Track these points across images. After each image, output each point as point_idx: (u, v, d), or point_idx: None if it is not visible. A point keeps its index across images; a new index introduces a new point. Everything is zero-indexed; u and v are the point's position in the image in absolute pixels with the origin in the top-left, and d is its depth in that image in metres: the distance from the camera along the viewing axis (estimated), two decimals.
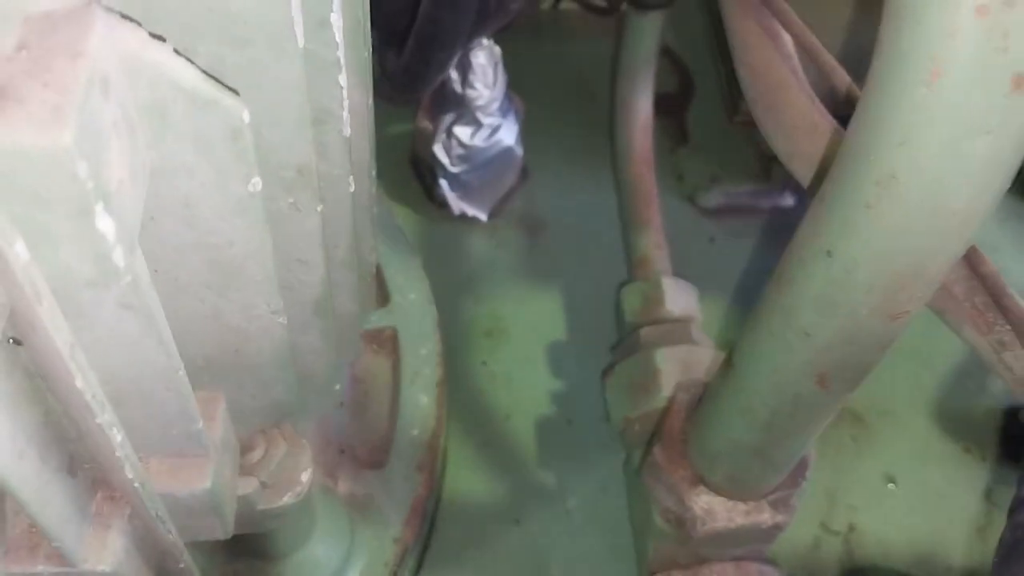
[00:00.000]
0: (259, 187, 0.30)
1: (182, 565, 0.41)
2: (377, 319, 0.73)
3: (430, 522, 0.72)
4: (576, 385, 0.81)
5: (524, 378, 0.81)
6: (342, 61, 0.33)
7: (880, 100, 0.32)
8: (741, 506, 0.54)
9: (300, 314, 0.42)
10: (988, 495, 0.78)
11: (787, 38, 0.50)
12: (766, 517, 0.54)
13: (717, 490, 0.54)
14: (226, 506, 0.43)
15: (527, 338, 0.84)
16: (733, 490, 0.54)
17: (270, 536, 0.55)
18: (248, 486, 0.47)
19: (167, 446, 0.38)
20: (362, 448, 0.68)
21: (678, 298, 0.72)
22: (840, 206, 0.35)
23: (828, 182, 0.36)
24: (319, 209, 0.37)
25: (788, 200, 0.94)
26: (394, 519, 0.64)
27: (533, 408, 0.79)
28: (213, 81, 0.27)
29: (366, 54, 0.39)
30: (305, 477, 0.50)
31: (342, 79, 0.34)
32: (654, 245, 0.77)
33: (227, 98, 0.27)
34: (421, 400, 0.70)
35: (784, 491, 0.54)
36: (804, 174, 0.48)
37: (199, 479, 0.39)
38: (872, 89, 0.32)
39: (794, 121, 0.48)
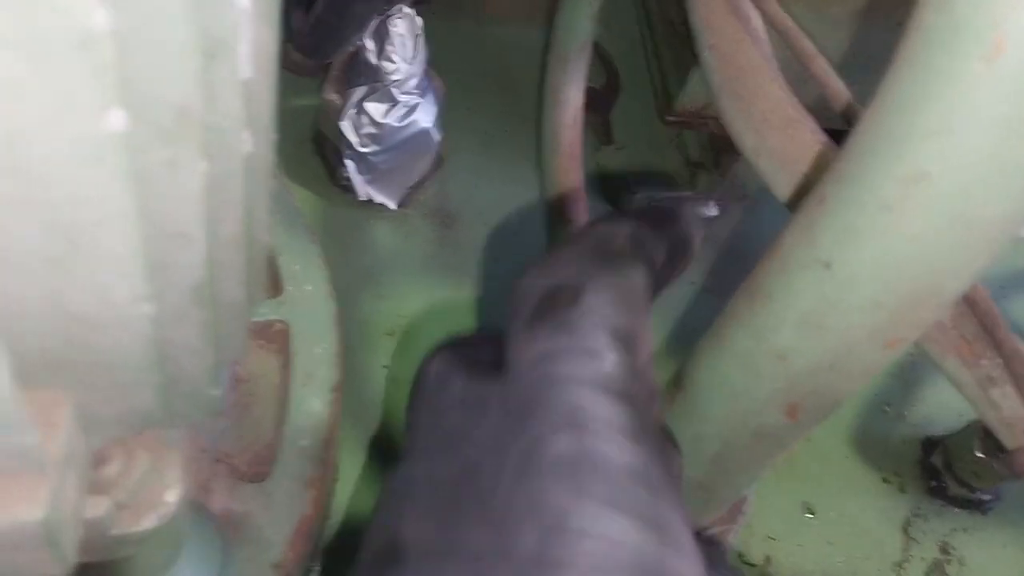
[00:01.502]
0: (121, 125, 0.22)
1: None
2: (267, 311, 0.65)
3: (316, 546, 0.64)
4: None
5: None
6: None
7: (915, 77, 0.26)
8: None
9: (173, 302, 0.34)
10: (906, 528, 0.75)
11: (757, 20, 0.45)
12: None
13: None
14: (66, 536, 0.34)
15: (433, 340, 0.76)
16: None
17: (124, 565, 0.46)
18: (98, 508, 0.38)
19: None
20: (242, 458, 0.59)
21: None
22: (846, 209, 0.30)
23: (830, 180, 0.30)
24: (203, 168, 0.29)
25: (712, 210, 0.90)
26: (275, 541, 0.56)
27: None
28: None
29: None
30: (171, 496, 0.41)
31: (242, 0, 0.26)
32: None
33: None
34: (313, 406, 0.62)
35: (721, 526, 0.49)
36: (771, 173, 0.42)
37: (29, 506, 0.30)
38: (904, 63, 0.26)
39: (764, 113, 0.43)
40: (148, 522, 0.40)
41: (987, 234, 0.27)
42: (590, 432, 0.27)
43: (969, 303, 0.38)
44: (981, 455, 0.73)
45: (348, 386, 0.71)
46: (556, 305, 0.30)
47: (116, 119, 0.21)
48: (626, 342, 0.29)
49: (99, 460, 0.39)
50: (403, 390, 0.72)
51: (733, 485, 0.43)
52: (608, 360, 0.28)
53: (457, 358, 0.36)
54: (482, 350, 0.36)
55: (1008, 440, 0.37)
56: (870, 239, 0.29)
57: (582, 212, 0.74)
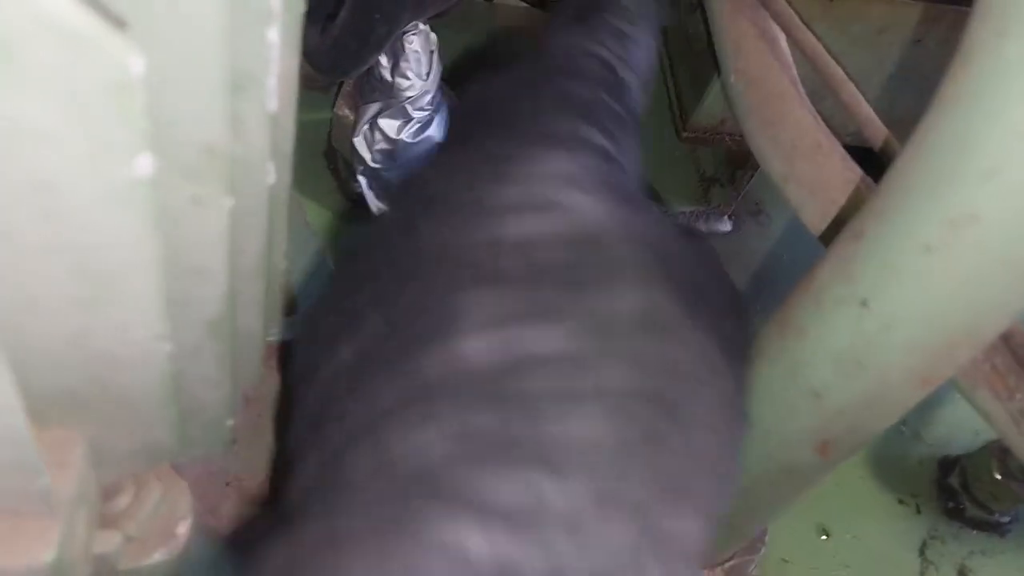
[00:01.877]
0: (149, 170, 0.21)
1: None
2: (279, 332, 0.64)
3: None
4: None
5: None
6: (275, 9, 0.25)
7: (964, 116, 0.25)
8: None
9: (191, 337, 0.33)
10: (923, 550, 0.74)
11: (784, 44, 0.44)
12: None
13: None
14: (75, 574, 0.33)
15: None
16: None
17: None
18: (109, 543, 0.37)
19: (1, 502, 0.28)
20: (251, 480, 0.58)
21: None
22: (886, 248, 0.29)
23: (869, 216, 0.30)
24: (228, 204, 0.28)
25: (725, 225, 0.89)
26: None
27: None
28: (91, 9, 0.18)
29: (301, 9, 0.31)
30: (182, 529, 0.41)
31: (272, 33, 0.26)
32: None
33: (112, 37, 0.18)
34: None
35: (741, 558, 0.48)
36: (801, 202, 0.42)
37: (40, 548, 0.29)
38: (951, 102, 0.25)
39: (793, 140, 0.42)
40: (159, 555, 0.40)
41: None
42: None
43: (1003, 336, 0.37)
44: (999, 476, 0.72)
45: None
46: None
47: (145, 164, 0.20)
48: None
49: (110, 493, 0.38)
50: None
51: (757, 520, 0.42)
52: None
53: None
54: None
55: None
56: (911, 279, 0.28)
57: None
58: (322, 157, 0.85)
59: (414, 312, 0.34)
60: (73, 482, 0.31)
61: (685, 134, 0.79)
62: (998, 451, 0.73)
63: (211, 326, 0.33)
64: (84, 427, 0.31)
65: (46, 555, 0.29)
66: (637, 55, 0.47)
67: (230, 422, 0.41)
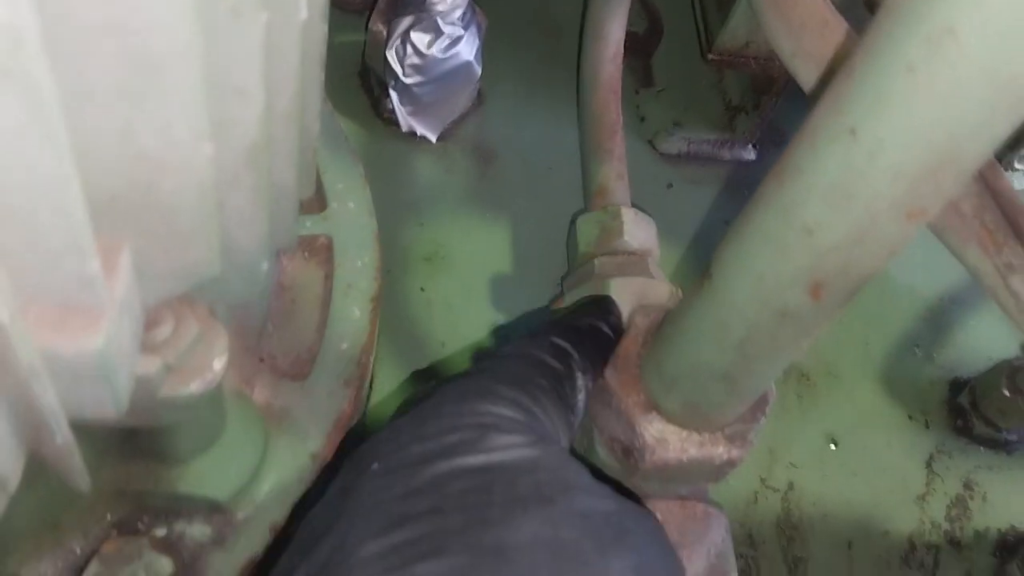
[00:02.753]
0: None
1: (59, 441, 0.34)
2: (311, 226, 0.67)
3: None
4: (518, 320, 0.76)
5: (463, 307, 0.76)
6: None
7: None
8: (695, 437, 0.50)
9: (230, 162, 0.36)
10: (929, 463, 0.76)
11: None
12: (721, 451, 0.50)
13: (671, 418, 0.50)
14: (120, 377, 0.36)
15: (469, 267, 0.78)
16: (689, 419, 0.49)
17: (170, 435, 0.48)
18: (150, 365, 0.40)
19: (53, 291, 0.31)
20: (284, 359, 0.62)
21: (637, 231, 0.68)
22: (874, 75, 0.31)
23: (859, 52, 0.32)
24: (263, 19, 0.31)
25: (749, 154, 0.91)
26: (314, 434, 0.58)
27: (471, 337, 0.74)
28: None
29: None
30: (218, 365, 0.44)
31: None
32: (615, 176, 0.72)
33: None
34: (353, 313, 0.64)
35: (742, 425, 0.50)
36: (806, 75, 0.44)
37: (89, 336, 0.33)
38: None
39: (802, 17, 0.44)
40: (195, 387, 0.43)
41: (1010, 93, 0.28)
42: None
43: (992, 192, 0.39)
44: (1008, 393, 0.73)
45: (387, 306, 0.73)
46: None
47: None
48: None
49: (152, 322, 0.41)
50: (437, 311, 0.75)
51: (756, 375, 0.44)
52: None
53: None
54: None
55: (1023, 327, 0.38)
56: (895, 102, 0.30)
57: (619, 146, 0.75)
58: (356, 77, 0.88)
59: (325, 568, 0.38)
60: (119, 287, 0.34)
61: (710, 56, 0.80)
62: (1008, 369, 0.75)
63: (249, 153, 0.36)
64: (128, 237, 0.34)
65: (95, 341, 0.32)
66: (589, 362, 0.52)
67: (265, 266, 0.44)
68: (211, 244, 0.37)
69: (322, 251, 0.67)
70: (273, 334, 0.62)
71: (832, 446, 0.75)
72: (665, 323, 0.49)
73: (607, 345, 0.54)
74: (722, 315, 0.42)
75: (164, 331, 0.42)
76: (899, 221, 0.34)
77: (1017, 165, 0.89)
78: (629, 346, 0.52)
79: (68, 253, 0.30)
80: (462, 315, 0.75)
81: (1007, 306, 0.39)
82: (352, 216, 0.68)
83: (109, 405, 0.37)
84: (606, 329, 0.55)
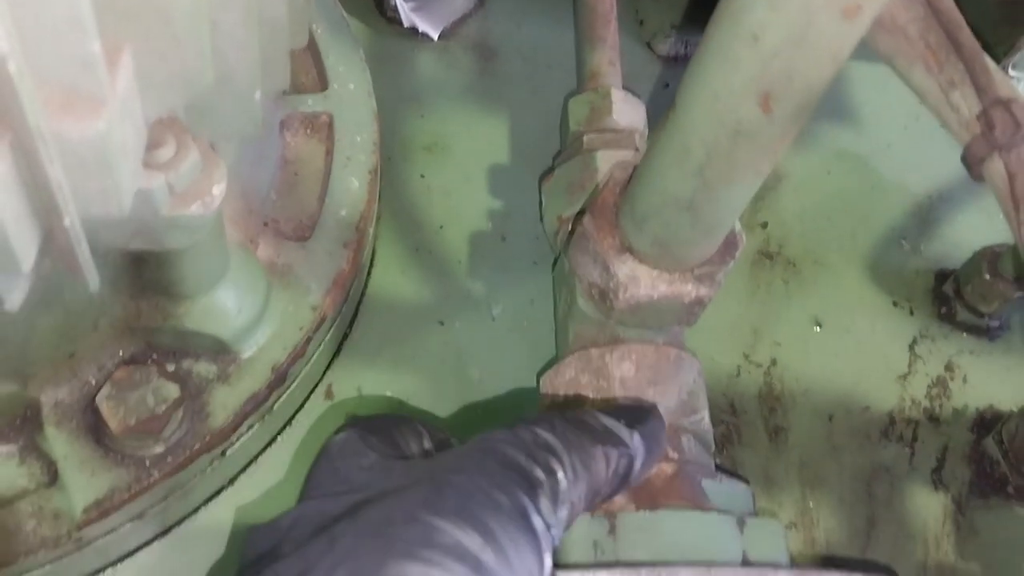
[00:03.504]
0: None
1: (67, 223, 0.38)
2: (313, 104, 0.70)
3: (352, 312, 0.70)
4: (513, 205, 0.79)
5: (461, 194, 0.79)
6: None
7: None
8: (665, 275, 0.53)
9: None
10: (912, 346, 0.78)
11: None
12: (689, 288, 0.53)
13: (643, 259, 0.53)
14: (123, 174, 0.40)
15: (468, 157, 0.81)
16: (660, 258, 0.52)
17: (176, 268, 0.52)
18: (152, 179, 0.44)
19: (60, 72, 0.35)
20: (287, 223, 0.65)
21: (626, 110, 0.70)
22: None
23: None
24: None
25: None
26: (314, 288, 0.62)
27: (468, 222, 0.77)
28: None
29: None
30: (217, 191, 0.47)
31: None
32: (607, 61, 0.75)
33: None
34: (352, 184, 0.67)
35: (710, 267, 0.53)
36: None
37: (92, 120, 0.36)
38: None
39: None
40: (195, 209, 0.46)
41: None
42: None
43: (935, 12, 0.41)
44: (988, 276, 0.76)
45: (388, 192, 0.77)
46: None
47: None
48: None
49: (154, 143, 0.45)
50: (436, 197, 0.78)
51: (718, 203, 0.47)
52: None
53: (365, 437, 0.51)
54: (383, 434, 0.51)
55: (963, 137, 0.41)
56: None
57: (612, 35, 0.77)
58: None
59: None
60: (121, 81, 0.37)
61: None
62: (989, 254, 0.77)
63: None
64: (128, 39, 0.38)
65: (97, 123, 0.36)
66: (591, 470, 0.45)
67: (257, 96, 0.47)
68: (204, 52, 0.40)
69: (323, 128, 0.70)
70: (277, 201, 0.66)
71: (816, 328, 0.78)
72: (639, 164, 0.52)
73: (621, 463, 0.46)
74: (684, 140, 0.45)
75: (166, 152, 0.45)
76: (836, 20, 0.36)
77: (1011, 72, 0.90)
78: (607, 196, 0.55)
79: (69, 28, 0.33)
80: (460, 200, 0.78)
81: (949, 121, 0.41)
82: (352, 96, 0.71)
83: (113, 203, 0.40)
84: (624, 436, 0.46)
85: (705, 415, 0.56)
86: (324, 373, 0.68)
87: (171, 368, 0.56)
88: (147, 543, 0.59)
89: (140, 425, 0.52)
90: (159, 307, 0.55)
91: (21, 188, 0.36)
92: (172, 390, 0.54)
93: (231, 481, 0.62)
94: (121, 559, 0.59)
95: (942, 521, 0.70)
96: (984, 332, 0.79)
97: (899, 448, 0.73)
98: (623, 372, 0.55)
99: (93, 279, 0.43)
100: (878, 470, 0.72)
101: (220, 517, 0.61)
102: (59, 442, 0.54)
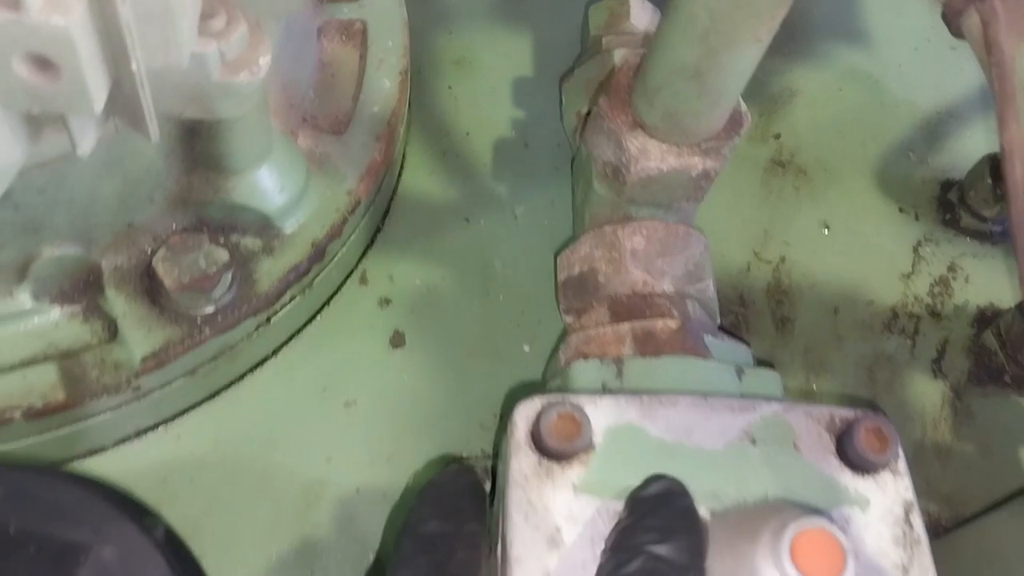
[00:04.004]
0: None
1: (134, 67, 0.43)
2: (349, 12, 0.75)
3: (385, 207, 0.75)
4: (536, 115, 0.83)
5: (488, 104, 0.83)
6: None
7: None
8: (674, 149, 0.57)
9: None
10: (916, 248, 0.82)
11: None
12: (696, 161, 0.57)
13: (654, 133, 0.57)
14: (182, 28, 0.45)
15: (495, 71, 0.85)
16: (669, 132, 0.56)
17: (225, 143, 0.57)
18: (206, 45, 0.49)
19: None
20: (324, 119, 0.70)
21: (643, 14, 0.74)
22: None
23: None
24: None
25: None
26: (350, 175, 0.67)
27: (493, 130, 0.82)
28: None
29: None
30: (263, 61, 0.52)
31: None
32: None
33: None
34: (384, 84, 0.72)
35: (716, 141, 0.57)
36: None
37: None
38: None
39: None
40: (243, 76, 0.51)
41: None
42: None
43: None
44: (991, 181, 0.79)
45: (418, 103, 0.81)
46: None
47: None
48: None
49: (207, 14, 0.50)
50: (463, 107, 0.83)
51: (721, 71, 0.51)
52: None
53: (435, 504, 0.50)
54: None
55: None
56: None
57: None
58: None
59: None
60: None
61: None
62: (991, 158, 0.80)
63: None
64: None
65: None
66: None
67: None
68: None
69: (357, 35, 0.75)
70: (315, 100, 0.71)
71: (825, 231, 0.81)
72: (651, 39, 0.56)
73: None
74: (690, 7, 0.49)
75: (218, 22, 0.50)
76: None
77: None
78: (621, 77, 0.59)
79: None
80: (486, 110, 0.82)
81: None
82: (383, 5, 0.76)
83: (174, 54, 0.45)
84: None
85: (710, 283, 0.61)
86: (359, 261, 0.73)
87: (221, 240, 0.62)
88: (198, 404, 0.65)
89: (193, 283, 0.58)
90: (209, 181, 0.60)
91: (95, 30, 0.41)
92: (222, 254, 0.59)
93: (275, 352, 0.68)
94: (175, 416, 0.64)
95: (940, 406, 0.74)
96: (987, 236, 0.82)
97: (901, 340, 0.77)
98: (634, 244, 0.60)
99: (154, 131, 0.48)
100: (880, 358, 0.76)
101: (265, 385, 0.67)
102: (118, 302, 0.59)
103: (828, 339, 0.76)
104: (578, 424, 0.46)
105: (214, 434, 0.65)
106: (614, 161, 0.59)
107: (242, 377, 0.67)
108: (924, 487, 0.69)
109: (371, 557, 0.62)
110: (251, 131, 0.58)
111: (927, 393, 0.75)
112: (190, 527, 0.60)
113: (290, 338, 0.69)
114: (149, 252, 0.61)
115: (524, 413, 0.47)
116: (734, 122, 0.58)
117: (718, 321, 0.63)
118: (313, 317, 0.70)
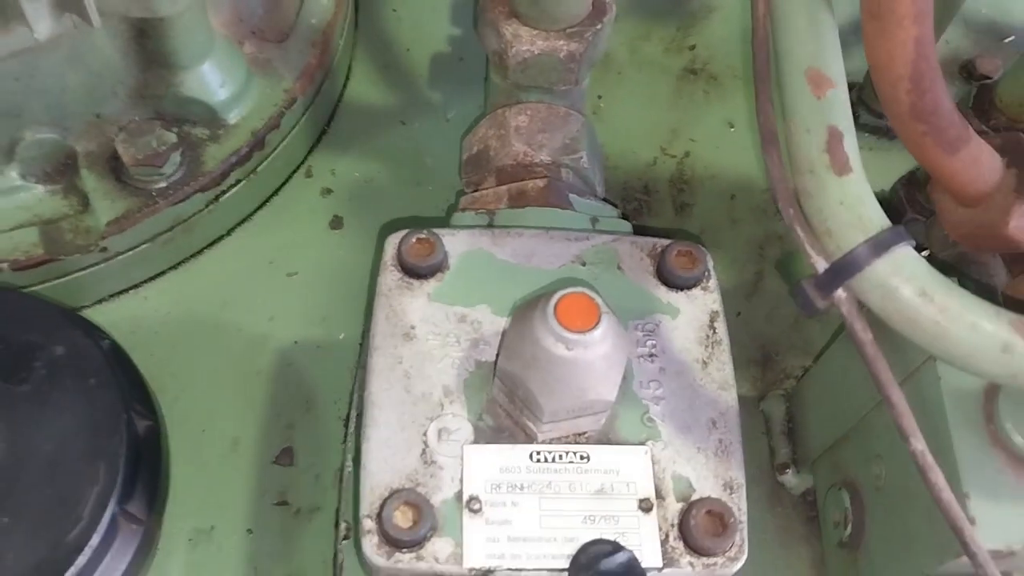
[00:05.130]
0: None
1: None
2: None
3: (329, 113, 0.86)
4: (472, 33, 0.92)
5: (428, 23, 0.93)
6: None
7: None
8: (543, 34, 0.66)
9: None
10: None
11: None
12: (562, 44, 0.66)
13: (526, 21, 0.66)
14: None
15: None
16: (539, 18, 0.66)
17: (170, 41, 0.68)
18: None
19: None
20: (270, 32, 0.81)
21: None
22: None
23: None
24: None
25: None
26: (287, 76, 0.78)
27: (432, 45, 0.92)
28: None
29: None
30: None
31: None
32: None
33: None
34: (323, 0, 0.83)
35: (581, 27, 0.67)
36: None
37: None
38: None
39: None
40: None
41: None
42: None
43: None
44: None
45: (365, 23, 0.92)
46: None
47: None
48: None
49: None
50: (406, 27, 0.93)
51: None
52: None
53: None
54: None
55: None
56: None
57: None
58: None
59: None
60: None
61: None
62: None
63: None
64: None
65: None
66: None
67: None
68: None
69: None
70: (263, 15, 0.82)
71: (731, 128, 0.90)
72: None
73: None
74: None
75: None
76: None
77: None
78: None
79: None
80: (426, 29, 0.93)
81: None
82: None
83: None
84: None
85: (584, 156, 0.70)
86: (305, 158, 0.84)
87: (174, 130, 0.73)
88: (162, 273, 0.77)
89: (146, 159, 0.69)
90: (162, 78, 0.72)
91: None
92: (171, 137, 0.71)
93: (229, 232, 0.79)
94: (143, 282, 0.76)
95: None
96: (884, 132, 0.90)
97: None
98: (518, 122, 0.70)
99: (95, 18, 0.59)
100: (771, 237, 0.84)
101: (220, 258, 0.79)
102: (90, 180, 0.71)
103: (723, 221, 0.85)
104: (432, 246, 0.57)
105: (175, 296, 0.76)
106: (497, 48, 0.69)
107: (200, 252, 0.78)
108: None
109: (305, 397, 0.74)
110: (191, 29, 0.69)
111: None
112: (154, 369, 0.72)
113: (243, 221, 0.80)
114: (113, 138, 0.73)
115: (393, 241, 0.58)
116: (598, 10, 0.67)
117: (600, 191, 0.72)
118: (264, 204, 0.81)
